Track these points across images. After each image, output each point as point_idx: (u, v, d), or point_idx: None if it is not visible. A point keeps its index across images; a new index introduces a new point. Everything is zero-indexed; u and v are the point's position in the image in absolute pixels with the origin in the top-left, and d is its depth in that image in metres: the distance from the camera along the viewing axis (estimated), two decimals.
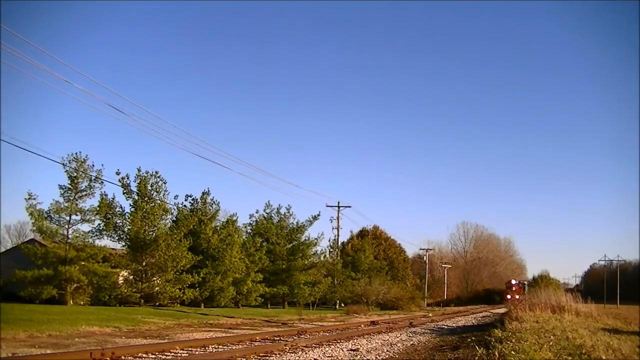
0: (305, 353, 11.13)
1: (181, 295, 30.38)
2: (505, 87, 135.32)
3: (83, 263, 27.70)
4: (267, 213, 41.62)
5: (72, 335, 13.48)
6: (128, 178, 30.22)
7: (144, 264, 30.22)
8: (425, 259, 75.85)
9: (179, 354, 10.49)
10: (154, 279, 30.62)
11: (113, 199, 30.33)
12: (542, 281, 64.70)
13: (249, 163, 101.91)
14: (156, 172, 31.09)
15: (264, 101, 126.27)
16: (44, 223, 27.57)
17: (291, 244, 41.56)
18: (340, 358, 10.62)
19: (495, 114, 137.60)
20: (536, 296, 27.36)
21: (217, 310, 28.57)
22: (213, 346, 11.93)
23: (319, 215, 42.39)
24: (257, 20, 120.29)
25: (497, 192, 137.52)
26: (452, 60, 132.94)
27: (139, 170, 30.66)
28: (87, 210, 28.49)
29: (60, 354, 9.67)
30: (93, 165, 28.27)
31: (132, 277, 30.19)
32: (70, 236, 28.02)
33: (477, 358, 9.51)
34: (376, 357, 10.89)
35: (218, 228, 35.43)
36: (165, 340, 13.07)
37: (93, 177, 28.32)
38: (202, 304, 32.23)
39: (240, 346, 11.94)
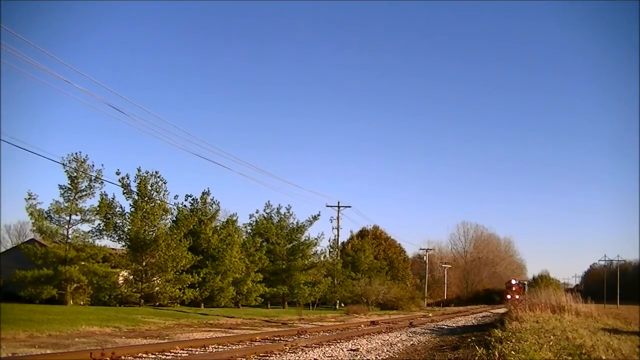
0: (305, 353, 11.13)
1: (181, 295, 30.38)
2: (505, 87, 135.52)
3: (83, 263, 27.70)
4: (267, 213, 41.68)
5: (72, 335, 13.48)
6: (128, 178, 30.27)
7: (144, 264, 30.22)
8: (425, 259, 75.86)
9: (179, 354, 10.49)
10: (154, 279, 30.62)
11: (113, 199, 30.39)
12: (542, 281, 64.68)
13: (249, 163, 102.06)
14: (156, 172, 31.16)
15: (264, 101, 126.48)
16: (44, 223, 27.57)
17: (291, 244, 41.56)
18: (340, 358, 10.62)
19: (495, 114, 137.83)
20: (536, 296, 27.35)
21: (217, 310, 28.57)
22: (213, 346, 11.93)
23: (319, 215, 42.48)
24: (257, 20, 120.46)
25: (497, 192, 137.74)
26: (452, 60, 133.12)
27: (139, 170, 30.73)
28: (87, 210, 28.53)
29: (60, 354, 9.67)
30: (93, 165, 28.33)
31: (132, 277, 30.19)
32: (70, 236, 28.02)
33: (477, 358, 9.51)
34: (376, 357, 10.89)
35: (218, 228, 35.43)
36: (165, 340, 13.07)
37: (93, 177, 28.35)
38: (202, 304, 32.23)
39: (240, 346, 11.94)
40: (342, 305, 45.04)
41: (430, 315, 35.71)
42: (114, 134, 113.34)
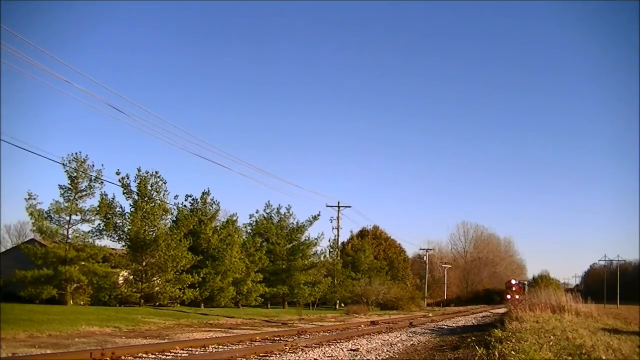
0: (305, 353, 11.13)
1: (181, 295, 30.38)
2: (505, 87, 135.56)
3: (83, 263, 27.70)
4: (267, 213, 41.68)
5: (72, 335, 13.48)
6: (128, 178, 30.27)
7: (144, 264, 30.22)
8: (425, 259, 75.86)
9: (179, 354, 10.49)
10: (154, 279, 30.62)
11: (113, 199, 30.39)
12: (542, 281, 64.68)
13: (249, 163, 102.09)
14: (156, 172, 31.16)
15: (264, 101, 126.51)
16: (44, 223, 27.57)
17: (291, 244, 41.56)
18: (340, 358, 10.62)
19: (495, 114, 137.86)
20: (536, 296, 27.34)
21: (217, 310, 28.57)
22: (213, 346, 11.93)
23: (319, 215, 42.48)
24: (257, 20, 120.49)
25: (497, 192, 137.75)
26: (452, 60, 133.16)
27: (139, 170, 30.73)
28: (87, 210, 28.53)
29: (60, 354, 9.67)
30: (93, 165, 28.33)
31: (132, 277, 30.19)
32: (70, 236, 28.02)
33: (477, 358, 9.51)
34: (376, 357, 10.89)
35: (218, 228, 35.43)
36: (165, 340, 13.07)
37: (93, 177, 28.35)
38: (202, 304, 32.23)
39: (240, 346, 11.94)
40: (342, 305, 45.04)
41: (430, 315, 35.71)
42: (114, 134, 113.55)
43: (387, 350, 12.20)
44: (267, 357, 10.31)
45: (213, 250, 33.22)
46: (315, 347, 12.21)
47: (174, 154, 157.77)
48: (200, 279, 31.40)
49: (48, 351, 10.27)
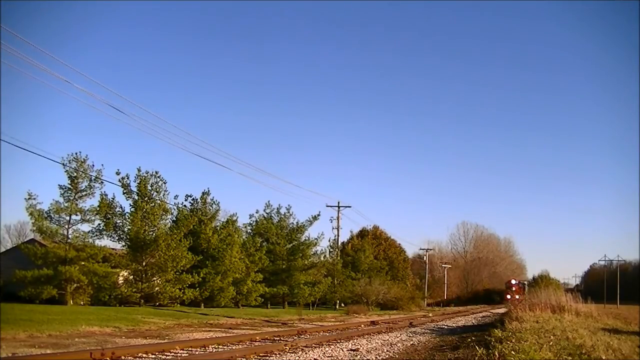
0: (305, 353, 11.13)
1: (181, 295, 30.38)
2: (505, 87, 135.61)
3: (83, 263, 27.70)
4: (267, 213, 41.68)
5: (72, 335, 13.48)
6: (128, 178, 30.28)
7: (144, 264, 30.22)
8: (425, 259, 75.87)
9: (179, 354, 10.49)
10: (154, 279, 30.62)
11: (113, 199, 30.40)
12: (542, 281, 64.68)
13: (249, 163, 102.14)
14: (156, 172, 31.16)
15: (264, 101, 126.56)
16: (44, 223, 27.57)
17: (291, 244, 41.56)
18: (340, 358, 10.62)
19: (495, 114, 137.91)
20: (536, 296, 27.34)
21: (217, 310, 28.57)
22: (213, 346, 11.93)
23: (319, 215, 42.48)
24: (257, 20, 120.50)
25: (497, 192, 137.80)
26: (452, 60, 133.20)
27: (139, 170, 30.74)
28: (87, 210, 28.53)
29: (60, 354, 9.67)
30: (93, 165, 28.33)
31: (132, 277, 30.19)
32: (70, 236, 28.02)
33: (477, 358, 9.50)
34: (376, 357, 10.89)
35: (218, 228, 35.43)
36: (165, 340, 13.07)
37: (93, 177, 28.35)
38: (202, 304, 32.23)
39: (240, 346, 11.94)
40: (342, 305, 45.04)
41: (430, 315, 35.71)
42: (114, 134, 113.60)
43: (387, 350, 12.20)
44: (267, 357, 10.31)
45: (213, 250, 33.22)
46: (315, 347, 12.21)
47: (174, 154, 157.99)
48: (200, 279, 31.40)
49: (48, 351, 10.27)
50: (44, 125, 70.18)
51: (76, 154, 27.70)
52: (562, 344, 10.78)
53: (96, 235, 29.32)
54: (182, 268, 30.61)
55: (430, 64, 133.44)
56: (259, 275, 36.52)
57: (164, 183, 31.30)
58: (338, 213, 48.13)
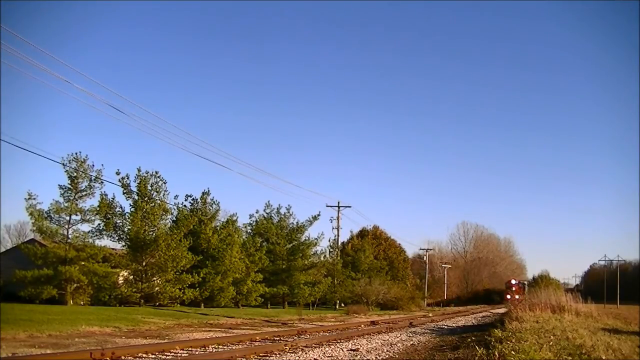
0: (305, 353, 11.13)
1: (181, 295, 30.38)
2: (505, 87, 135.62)
3: (83, 263, 27.70)
4: (267, 213, 41.68)
5: (72, 335, 13.48)
6: (128, 178, 30.28)
7: (144, 264, 30.22)
8: (425, 259, 75.87)
9: (179, 354, 10.49)
10: (154, 279, 30.62)
11: (113, 199, 30.39)
12: (542, 281, 64.67)
13: (249, 163, 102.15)
14: (156, 172, 31.16)
15: (264, 101, 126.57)
16: (44, 223, 27.57)
17: (291, 244, 41.56)
18: (340, 358, 10.62)
19: (495, 114, 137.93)
20: (536, 296, 27.34)
21: (217, 310, 28.57)
22: (213, 346, 11.93)
23: (319, 215, 42.49)
24: (257, 20, 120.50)
25: (497, 192, 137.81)
26: (452, 60, 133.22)
27: (139, 170, 30.74)
28: (87, 210, 28.53)
29: (60, 354, 9.67)
30: (93, 165, 28.33)
31: (132, 277, 30.19)
32: (70, 236, 28.02)
33: (477, 358, 9.50)
34: (376, 357, 10.89)
35: (218, 228, 35.43)
36: (165, 340, 13.07)
37: (93, 177, 28.35)
38: (202, 304, 32.23)
39: (240, 346, 11.94)
40: (342, 305, 45.04)
41: (430, 315, 35.71)
42: (114, 134, 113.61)
43: (387, 350, 12.20)
44: (267, 357, 10.31)
45: (213, 250, 33.22)
46: (315, 347, 12.21)
47: (174, 154, 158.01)
48: (200, 279, 31.40)
49: (48, 351, 10.27)
50: (44, 125, 70.31)
51: (76, 154, 27.77)
52: (562, 344, 10.78)
53: (96, 235, 29.37)
54: (182, 268, 30.61)
55: (430, 64, 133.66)
56: (259, 275, 36.52)
57: (164, 183, 31.37)
58: (338, 213, 48.19)
